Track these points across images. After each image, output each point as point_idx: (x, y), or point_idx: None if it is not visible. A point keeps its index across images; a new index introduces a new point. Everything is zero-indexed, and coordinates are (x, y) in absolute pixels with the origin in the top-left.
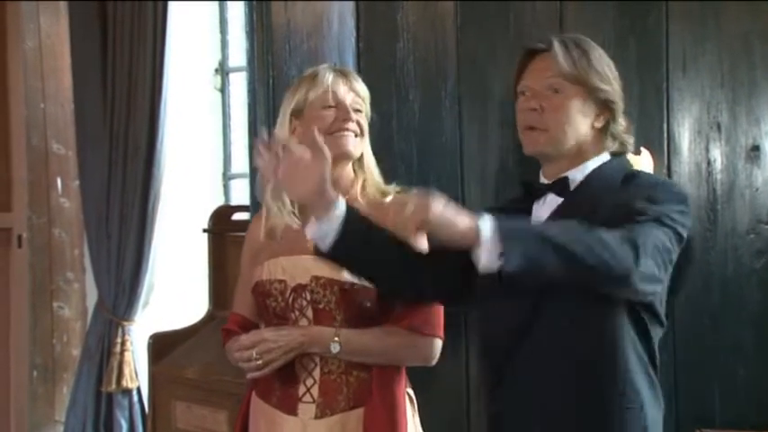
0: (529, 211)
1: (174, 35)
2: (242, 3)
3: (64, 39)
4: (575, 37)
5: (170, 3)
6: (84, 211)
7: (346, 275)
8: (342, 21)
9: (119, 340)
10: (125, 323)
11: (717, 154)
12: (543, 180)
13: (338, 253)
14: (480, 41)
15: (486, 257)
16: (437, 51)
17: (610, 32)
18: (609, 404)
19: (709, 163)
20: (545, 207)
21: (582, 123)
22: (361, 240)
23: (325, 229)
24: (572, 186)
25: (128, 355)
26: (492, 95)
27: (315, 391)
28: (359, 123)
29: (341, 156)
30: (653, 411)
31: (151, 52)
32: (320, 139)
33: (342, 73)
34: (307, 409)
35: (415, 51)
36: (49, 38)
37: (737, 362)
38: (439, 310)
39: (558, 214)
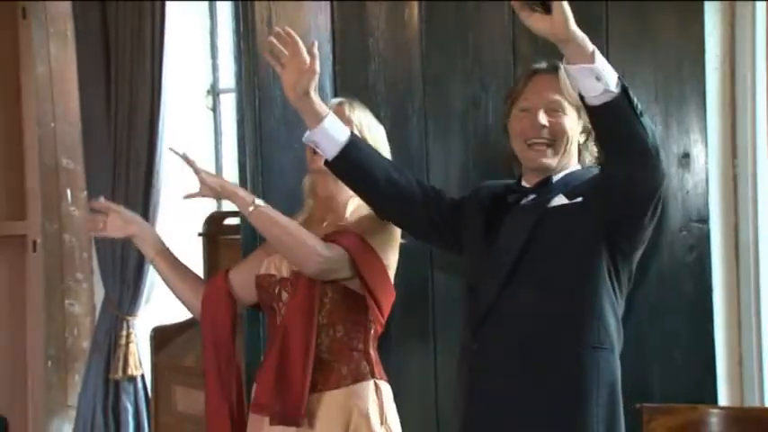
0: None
1: (169, 60)
2: (230, 30)
3: (71, 65)
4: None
5: (166, 31)
6: None
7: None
8: (320, 46)
9: (124, 333)
10: (129, 318)
11: None
12: (525, 184)
13: (339, 163)
14: (442, 64)
15: (595, 79)
16: (404, 73)
17: (558, 56)
18: (584, 343)
19: None
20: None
21: (575, 138)
22: (364, 159)
23: (318, 139)
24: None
25: (132, 347)
26: (454, 111)
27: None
28: None
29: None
30: (617, 353)
31: (149, 76)
32: (315, 50)
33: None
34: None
35: (385, 73)
36: (58, 64)
37: (673, 345)
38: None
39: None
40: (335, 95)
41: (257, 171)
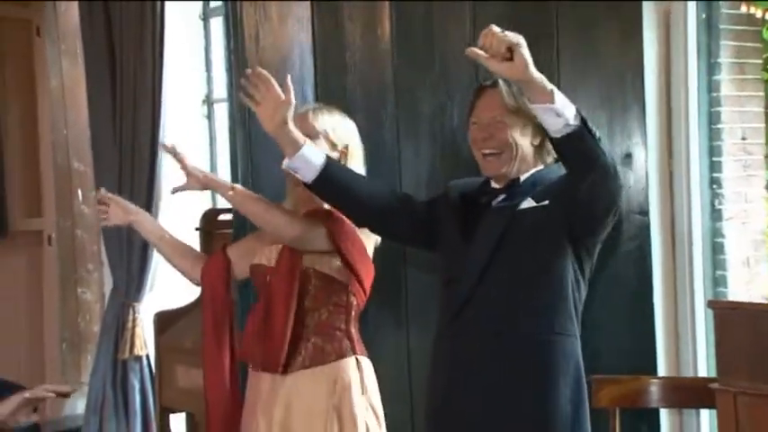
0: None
1: (168, 73)
2: (222, 46)
3: (81, 78)
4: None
5: (165, 48)
6: None
7: (305, 262)
8: (302, 59)
9: (130, 318)
10: (135, 304)
11: None
12: (495, 185)
13: (318, 185)
14: (412, 76)
15: (555, 116)
16: (378, 83)
17: None
18: (552, 330)
19: None
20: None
21: (523, 143)
22: (342, 179)
23: (296, 166)
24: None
25: (138, 330)
26: (423, 117)
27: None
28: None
29: None
30: (578, 336)
31: (150, 88)
32: (290, 83)
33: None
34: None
35: (361, 83)
36: (69, 78)
37: (618, 324)
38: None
39: (507, 200)
40: (316, 102)
41: (248, 173)
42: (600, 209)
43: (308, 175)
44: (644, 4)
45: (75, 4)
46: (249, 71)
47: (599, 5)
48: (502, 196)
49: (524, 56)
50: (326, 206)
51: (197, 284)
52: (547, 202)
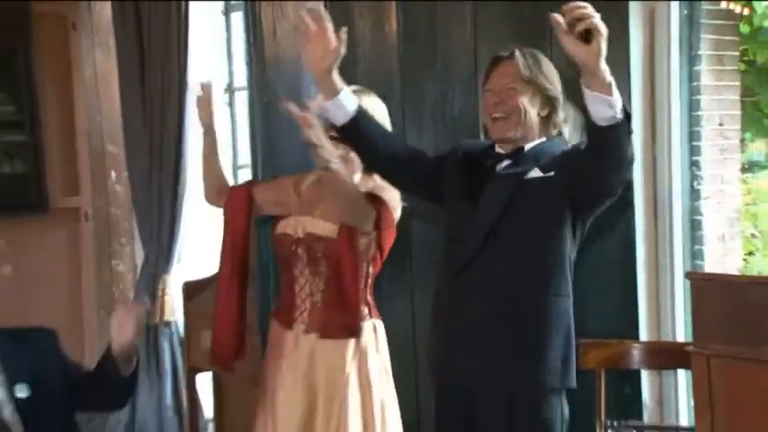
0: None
1: (193, 63)
2: (243, 39)
3: (113, 69)
4: (531, 50)
5: (190, 40)
6: (132, 195)
7: (328, 232)
8: None
9: (160, 287)
10: (164, 275)
11: None
12: (499, 150)
13: (347, 128)
14: (416, 67)
15: (608, 106)
16: (386, 73)
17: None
18: (548, 291)
19: None
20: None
21: (531, 111)
22: (367, 127)
23: (330, 108)
24: (525, 153)
25: (167, 298)
26: (427, 104)
27: (305, 315)
28: None
29: None
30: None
31: (177, 77)
32: (343, 35)
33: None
34: (299, 326)
35: (369, 73)
36: (102, 68)
37: (604, 290)
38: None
39: (512, 166)
40: None
41: (266, 154)
42: (607, 191)
43: (339, 119)
44: (630, 3)
45: (108, 3)
46: (309, 6)
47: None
48: (506, 162)
49: (602, 45)
50: (384, 193)
51: (217, 206)
52: (552, 173)
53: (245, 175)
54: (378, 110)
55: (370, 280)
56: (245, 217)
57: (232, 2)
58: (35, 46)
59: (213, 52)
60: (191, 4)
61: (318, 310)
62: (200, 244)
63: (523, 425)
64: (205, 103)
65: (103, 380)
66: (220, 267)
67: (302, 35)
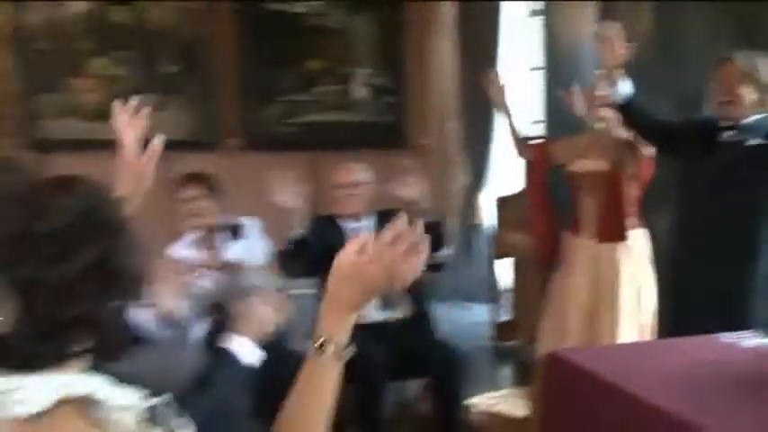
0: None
1: (503, 47)
2: (541, 35)
3: (449, 53)
4: (748, 53)
5: (501, 33)
6: (461, 134)
7: (602, 167)
8: None
9: (474, 201)
10: (478, 192)
11: None
12: (723, 124)
13: (624, 109)
14: (670, 57)
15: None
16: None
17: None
18: (757, 237)
19: None
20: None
21: (748, 100)
22: (639, 107)
23: (612, 94)
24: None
25: (479, 209)
26: (678, 88)
27: (593, 225)
28: None
29: None
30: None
31: (489, 61)
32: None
33: None
34: (584, 234)
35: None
36: (443, 53)
37: None
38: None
39: (737, 135)
40: None
41: (553, 116)
42: None
43: (618, 99)
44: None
45: (457, 4)
46: (606, 25)
47: None
48: (730, 132)
49: None
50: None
51: (524, 159)
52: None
53: (540, 130)
54: None
55: (634, 200)
56: (542, 168)
57: (535, 7)
58: (406, 35)
59: (520, 43)
60: (502, 4)
61: (597, 222)
62: (503, 171)
63: None
64: (495, 87)
65: None
66: (529, 195)
67: (598, 40)
